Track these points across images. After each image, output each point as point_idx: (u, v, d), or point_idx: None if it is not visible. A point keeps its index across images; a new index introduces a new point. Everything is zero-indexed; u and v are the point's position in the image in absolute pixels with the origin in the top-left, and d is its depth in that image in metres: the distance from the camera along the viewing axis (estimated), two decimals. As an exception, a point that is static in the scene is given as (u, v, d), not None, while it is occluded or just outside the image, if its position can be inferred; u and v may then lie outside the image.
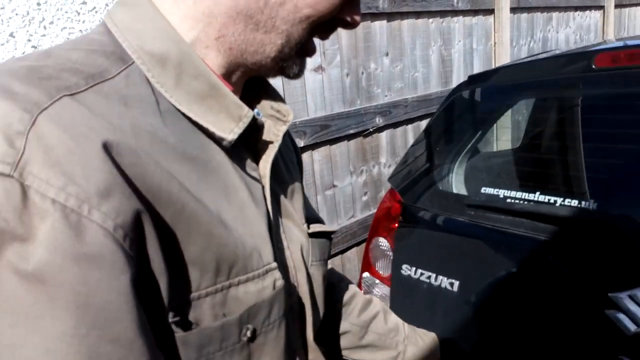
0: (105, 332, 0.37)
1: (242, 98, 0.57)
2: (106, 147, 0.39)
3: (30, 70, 0.41)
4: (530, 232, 1.14)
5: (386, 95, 2.68)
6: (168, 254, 0.43)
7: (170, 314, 0.44)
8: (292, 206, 0.63)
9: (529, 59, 1.41)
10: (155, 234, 0.42)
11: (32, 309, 0.35)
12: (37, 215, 0.36)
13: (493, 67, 3.39)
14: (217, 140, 0.51)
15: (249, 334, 0.50)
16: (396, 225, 1.48)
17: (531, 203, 1.16)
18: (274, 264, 0.53)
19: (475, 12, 3.16)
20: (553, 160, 1.27)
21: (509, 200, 1.21)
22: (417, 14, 2.76)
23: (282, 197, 0.62)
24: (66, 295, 0.36)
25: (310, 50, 0.57)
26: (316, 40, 0.58)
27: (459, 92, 1.52)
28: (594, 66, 1.10)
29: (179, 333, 0.45)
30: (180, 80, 0.48)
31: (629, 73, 1.08)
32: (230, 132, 0.50)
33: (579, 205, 1.11)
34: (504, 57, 3.38)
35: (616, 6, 4.83)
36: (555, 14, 4.00)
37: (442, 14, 2.93)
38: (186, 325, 0.46)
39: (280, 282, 0.53)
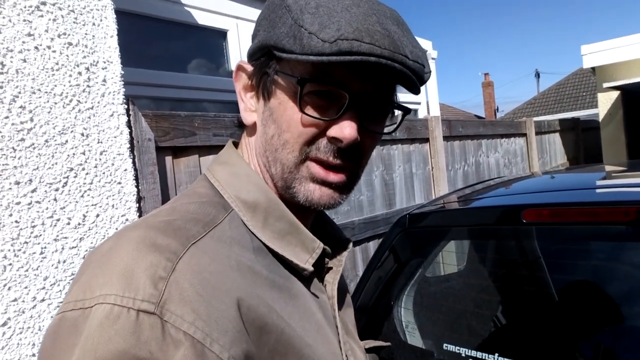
0: None
1: (312, 231, 0.65)
2: (238, 301, 0.49)
3: (167, 225, 0.52)
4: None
5: (334, 218, 2.72)
6: None
7: None
8: (350, 323, 0.71)
9: (467, 207, 1.50)
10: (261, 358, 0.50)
11: None
12: (172, 345, 0.44)
13: (432, 188, 3.58)
14: (295, 270, 0.60)
15: None
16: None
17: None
18: None
19: (412, 141, 3.41)
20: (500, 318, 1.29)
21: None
22: (360, 143, 2.92)
23: (343, 316, 0.69)
24: None
25: (316, 175, 0.59)
26: None
27: (398, 230, 1.56)
28: (524, 220, 1.18)
29: None
30: (267, 221, 0.59)
31: (554, 229, 1.17)
32: (305, 262, 0.60)
33: None
34: (441, 180, 3.60)
35: (537, 133, 5.39)
36: (484, 141, 4.39)
37: (382, 142, 3.13)
38: None
39: None
